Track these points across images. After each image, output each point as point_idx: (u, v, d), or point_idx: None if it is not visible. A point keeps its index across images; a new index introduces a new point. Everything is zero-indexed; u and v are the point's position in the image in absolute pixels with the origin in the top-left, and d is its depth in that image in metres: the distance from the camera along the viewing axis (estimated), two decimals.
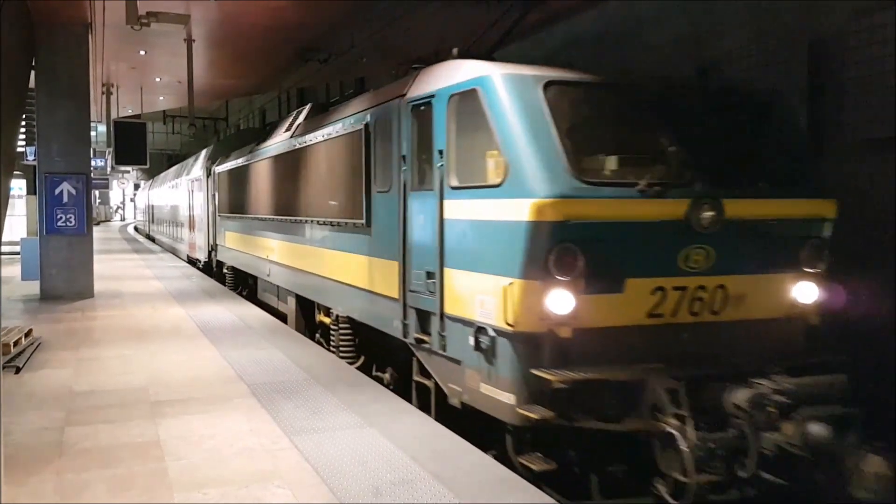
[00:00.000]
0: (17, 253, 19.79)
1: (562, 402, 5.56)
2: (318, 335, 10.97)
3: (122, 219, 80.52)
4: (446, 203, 6.61)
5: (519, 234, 5.66)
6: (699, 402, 5.46)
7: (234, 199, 16.63)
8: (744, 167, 6.35)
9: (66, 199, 14.80)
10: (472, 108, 6.28)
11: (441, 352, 6.74)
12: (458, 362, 6.51)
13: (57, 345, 9.97)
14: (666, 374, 5.54)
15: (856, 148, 8.34)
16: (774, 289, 6.25)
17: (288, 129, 12.48)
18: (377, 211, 8.14)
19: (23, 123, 18.79)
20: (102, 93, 24.80)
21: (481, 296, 6.09)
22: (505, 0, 9.67)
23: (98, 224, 54.63)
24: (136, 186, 65.77)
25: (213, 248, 19.79)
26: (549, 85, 6.01)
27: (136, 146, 18.46)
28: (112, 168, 34.11)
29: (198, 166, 22.08)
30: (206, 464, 5.48)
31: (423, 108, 7.05)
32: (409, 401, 7.42)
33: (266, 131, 16.07)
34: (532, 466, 5.65)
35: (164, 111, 32.62)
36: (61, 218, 14.79)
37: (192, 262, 23.26)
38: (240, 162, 15.82)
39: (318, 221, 10.20)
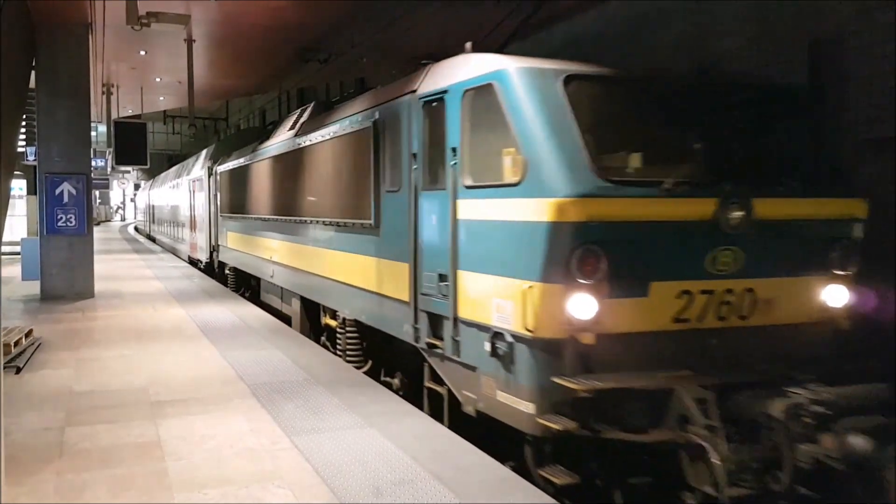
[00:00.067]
0: (18, 253, 19.60)
1: (585, 412, 5.20)
2: (323, 338, 10.56)
3: (123, 219, 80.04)
4: (460, 203, 6.22)
5: (539, 235, 5.28)
6: (728, 411, 5.09)
7: (236, 199, 16.17)
8: (772, 164, 5.99)
9: (66, 199, 14.63)
10: (487, 104, 5.89)
11: (454, 357, 6.35)
12: (472, 369, 6.12)
13: (57, 345, 9.81)
14: (694, 383, 5.17)
15: (856, 148, 8.05)
16: (804, 292, 5.87)
17: (292, 128, 12.05)
18: (386, 211, 7.73)
19: (23, 123, 18.66)
20: (102, 93, 24.59)
21: (498, 299, 5.71)
22: (508, 0, 9.43)
23: (98, 224, 54.49)
24: (137, 186, 65.37)
25: (214, 249, 19.39)
26: (569, 79, 5.63)
27: (136, 146, 18.40)
28: (112, 168, 33.91)
29: (199, 166, 21.70)
30: (206, 464, 5.39)
31: (435, 104, 6.65)
32: (421, 408, 7.03)
33: (269, 130, 15.66)
34: (554, 480, 5.27)
35: (164, 111, 32.37)
36: (61, 218, 14.62)
37: (194, 262, 22.85)
38: (242, 161, 15.38)
39: (324, 222, 9.78)
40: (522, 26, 8.44)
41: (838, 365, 5.61)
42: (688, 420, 5.09)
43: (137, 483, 5.03)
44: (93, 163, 19.50)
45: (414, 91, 7.09)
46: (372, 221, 7.97)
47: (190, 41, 16.31)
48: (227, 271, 17.97)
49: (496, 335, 5.72)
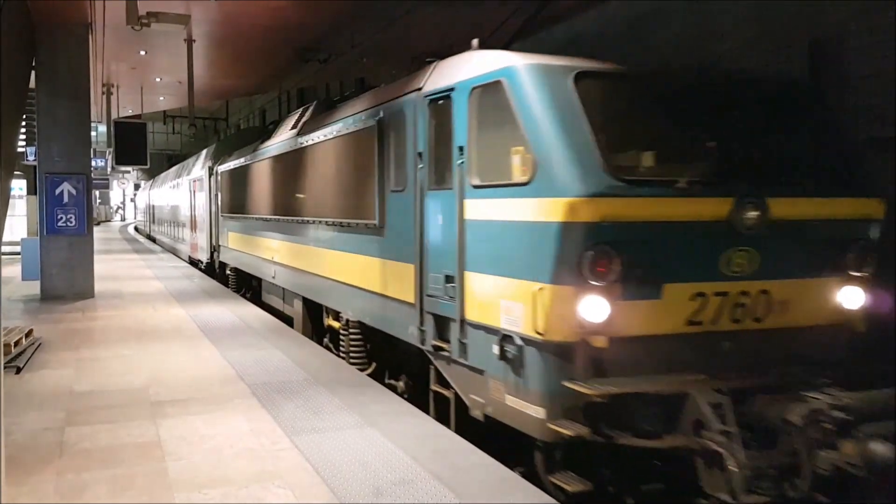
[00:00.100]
0: (18, 253, 19.52)
1: (597, 417, 5.02)
2: (326, 340, 10.35)
3: (123, 219, 79.77)
4: (467, 203, 6.03)
5: (549, 235, 5.10)
6: (743, 416, 4.90)
7: (237, 198, 15.94)
8: (788, 163, 5.80)
9: (66, 199, 14.56)
10: (496, 102, 5.70)
11: (461, 360, 6.17)
12: (480, 372, 5.93)
13: (57, 345, 9.74)
14: (708, 387, 4.98)
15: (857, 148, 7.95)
16: (820, 294, 5.68)
17: (294, 127, 11.83)
18: (391, 211, 7.54)
19: (23, 123, 18.54)
20: (102, 93, 24.52)
21: (507, 301, 5.52)
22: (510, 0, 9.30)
23: (98, 224, 54.34)
24: (137, 186, 65.11)
25: (215, 249, 19.17)
26: (580, 76, 5.44)
27: (136, 146, 18.35)
28: (112, 168, 33.80)
29: (199, 166, 21.49)
30: (206, 464, 5.34)
31: (441, 102, 6.46)
32: (426, 411, 6.83)
33: (270, 130, 15.44)
34: (566, 487, 5.09)
35: (164, 111, 32.26)
36: (62, 218, 14.54)
37: (194, 262, 22.65)
38: (243, 161, 15.15)
39: (327, 222, 9.57)
40: (527, 25, 8.27)
41: (855, 368, 5.43)
42: (703, 425, 4.91)
43: (137, 483, 4.98)
44: (93, 163, 19.44)
45: (419, 89, 6.90)
46: (376, 221, 7.78)
47: (190, 41, 16.32)
48: (227, 272, 17.77)
49: (505, 338, 5.54)
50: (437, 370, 6.76)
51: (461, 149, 6.09)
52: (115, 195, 78.52)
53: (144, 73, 23.15)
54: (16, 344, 8.88)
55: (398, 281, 7.32)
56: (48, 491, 4.88)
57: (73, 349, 9.43)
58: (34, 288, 15.01)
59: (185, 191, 23.99)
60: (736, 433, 4.77)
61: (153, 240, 37.84)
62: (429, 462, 5.32)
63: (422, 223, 6.76)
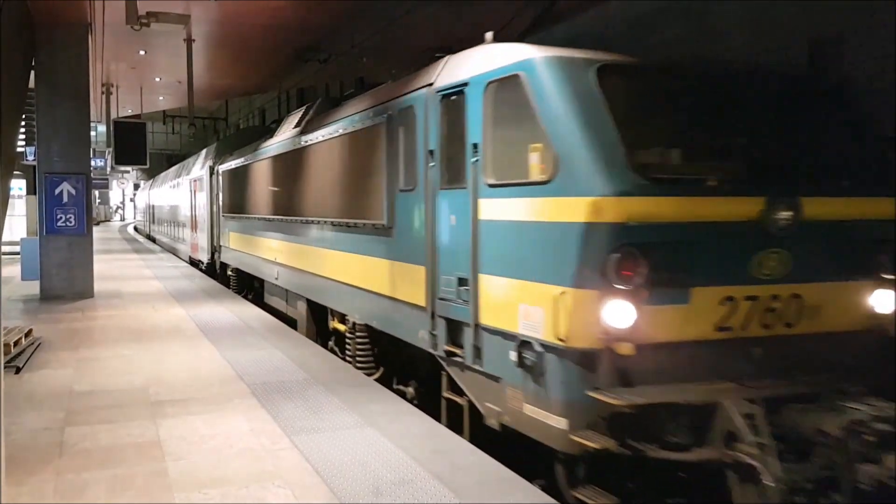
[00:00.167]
0: (17, 253, 19.28)
1: (622, 428, 4.66)
2: (331, 343, 9.95)
3: (122, 219, 79.27)
4: (482, 202, 5.66)
5: (572, 237, 4.74)
6: (776, 427, 4.55)
7: (239, 198, 15.51)
8: (820, 161, 5.44)
9: (65, 199, 14.37)
10: (513, 97, 5.34)
11: (476, 367, 5.80)
12: (496, 379, 5.57)
13: (57, 345, 9.61)
14: (739, 396, 4.63)
15: None
16: (853, 298, 5.33)
17: (297, 125, 11.42)
18: (400, 211, 7.16)
19: (23, 123, 18.29)
20: (102, 93, 24.32)
21: (525, 306, 5.16)
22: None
23: (98, 224, 54.07)
24: (136, 186, 64.63)
25: (216, 250, 18.76)
26: (602, 69, 5.08)
27: (135, 146, 18.19)
28: (112, 168, 33.53)
29: (200, 165, 21.10)
30: (206, 464, 5.28)
31: (454, 97, 6.09)
32: (437, 418, 6.47)
33: (273, 128, 15.06)
34: (590, 502, 4.73)
35: (164, 111, 32.05)
36: (61, 218, 14.36)
37: (194, 263, 22.26)
38: (245, 160, 14.72)
39: (332, 222, 9.18)
40: (536, 24, 7.97)
41: (888, 376, 5.08)
42: (735, 437, 4.56)
43: (137, 483, 4.93)
44: (92, 163, 19.21)
45: (430, 84, 6.53)
46: (385, 222, 7.40)
47: (190, 41, 16.18)
48: (228, 272, 17.38)
49: (523, 344, 5.18)
50: (449, 376, 6.40)
51: (475, 146, 5.73)
52: (115, 195, 78.00)
53: (144, 73, 23.00)
54: (15, 344, 8.78)
55: (408, 283, 6.95)
56: (48, 491, 4.81)
57: (73, 349, 9.29)
58: (34, 288, 14.82)
59: (186, 190, 23.59)
60: (771, 445, 4.42)
61: (153, 240, 37.40)
62: (428, 462, 5.22)
63: (433, 224, 6.39)
